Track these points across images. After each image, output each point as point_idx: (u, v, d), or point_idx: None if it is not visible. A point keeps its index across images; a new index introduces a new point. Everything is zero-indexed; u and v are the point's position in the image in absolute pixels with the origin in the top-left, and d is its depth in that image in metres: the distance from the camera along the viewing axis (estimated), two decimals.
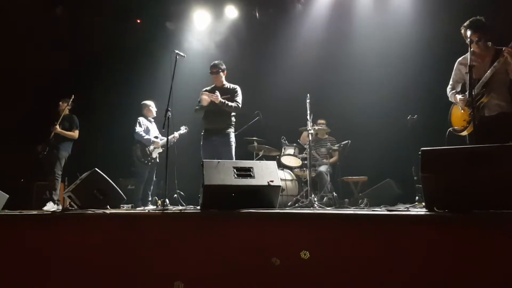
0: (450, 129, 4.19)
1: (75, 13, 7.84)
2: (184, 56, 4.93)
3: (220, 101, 5.20)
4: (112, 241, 3.31)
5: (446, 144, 4.03)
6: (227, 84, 5.56)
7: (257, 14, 7.70)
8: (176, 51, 4.80)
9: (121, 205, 4.56)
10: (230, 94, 5.41)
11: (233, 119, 5.47)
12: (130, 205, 5.55)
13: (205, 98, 5.22)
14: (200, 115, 5.41)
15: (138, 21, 8.35)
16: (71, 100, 6.58)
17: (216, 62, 5.55)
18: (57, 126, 6.36)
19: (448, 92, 4.30)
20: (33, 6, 7.34)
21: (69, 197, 4.33)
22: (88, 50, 8.00)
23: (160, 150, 6.61)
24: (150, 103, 6.88)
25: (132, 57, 8.13)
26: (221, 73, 5.49)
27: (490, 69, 3.83)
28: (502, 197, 2.53)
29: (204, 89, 5.43)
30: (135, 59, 8.11)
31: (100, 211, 3.66)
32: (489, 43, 3.99)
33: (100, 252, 3.28)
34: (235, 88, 5.50)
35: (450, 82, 4.29)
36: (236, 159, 4.02)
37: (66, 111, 6.58)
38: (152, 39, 8.23)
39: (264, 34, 7.90)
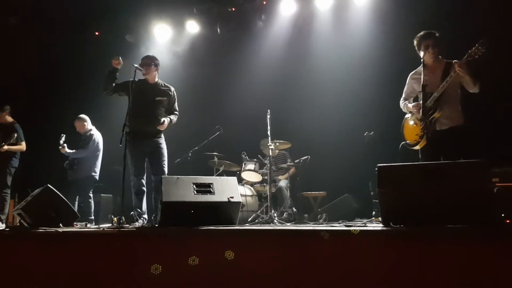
0: (403, 143, 4.26)
1: (31, 24, 7.59)
2: (143, 70, 4.84)
3: (166, 126, 4.83)
4: (65, 261, 3.17)
5: (399, 157, 4.12)
6: (161, 82, 5.07)
7: (218, 29, 7.73)
8: (135, 65, 4.68)
9: (75, 223, 4.38)
10: (166, 97, 4.96)
11: None
12: (84, 223, 5.34)
13: (118, 62, 4.73)
14: (109, 92, 4.85)
15: (97, 33, 8.18)
16: (7, 110, 6.23)
17: (149, 55, 5.09)
18: (6, 147, 5.91)
19: (401, 104, 4.39)
20: None
21: (19, 214, 4.11)
22: (44, 61, 7.75)
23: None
24: (87, 118, 6.51)
25: (90, 70, 7.91)
26: (154, 67, 4.95)
27: (441, 85, 3.88)
28: (454, 212, 2.63)
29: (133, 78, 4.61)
30: (92, 71, 7.90)
31: (53, 229, 3.50)
32: (440, 56, 4.11)
33: (52, 273, 3.13)
34: (172, 91, 5.05)
35: (403, 96, 4.39)
36: (192, 175, 3.91)
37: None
38: (111, 52, 8.04)
39: (225, 49, 7.91)
